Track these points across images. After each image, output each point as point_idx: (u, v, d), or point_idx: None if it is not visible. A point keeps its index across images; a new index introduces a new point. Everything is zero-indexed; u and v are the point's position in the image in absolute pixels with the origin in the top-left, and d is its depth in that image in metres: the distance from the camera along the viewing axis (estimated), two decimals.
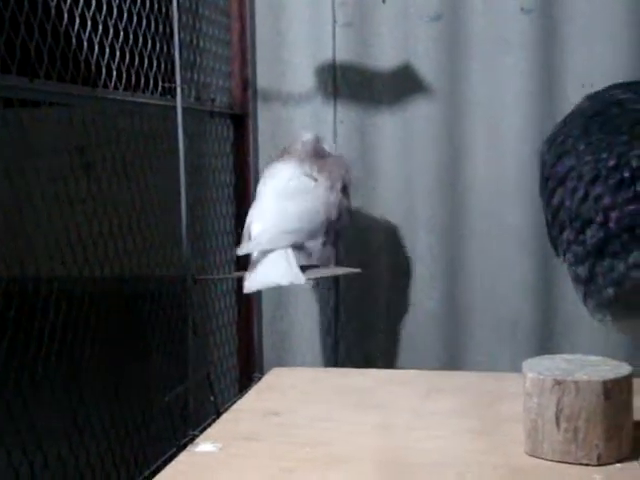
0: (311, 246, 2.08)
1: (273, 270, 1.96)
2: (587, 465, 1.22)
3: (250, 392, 1.62)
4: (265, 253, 1.99)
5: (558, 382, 1.23)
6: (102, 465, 1.84)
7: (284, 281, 1.95)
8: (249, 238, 2.07)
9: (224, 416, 1.48)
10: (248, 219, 2.13)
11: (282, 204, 2.10)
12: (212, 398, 1.94)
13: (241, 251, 2.04)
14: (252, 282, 1.96)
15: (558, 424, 1.23)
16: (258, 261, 1.99)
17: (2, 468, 1.49)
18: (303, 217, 2.09)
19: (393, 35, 2.48)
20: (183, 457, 1.30)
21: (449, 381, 1.70)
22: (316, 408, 1.52)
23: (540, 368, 1.27)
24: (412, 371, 1.80)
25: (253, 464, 1.27)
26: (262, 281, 1.96)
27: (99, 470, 1.82)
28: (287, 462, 1.27)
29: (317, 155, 2.26)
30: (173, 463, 1.27)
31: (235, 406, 1.53)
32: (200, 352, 2.15)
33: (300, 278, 1.95)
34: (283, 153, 2.26)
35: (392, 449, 1.33)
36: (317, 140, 2.29)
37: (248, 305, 2.55)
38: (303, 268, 1.99)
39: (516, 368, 2.26)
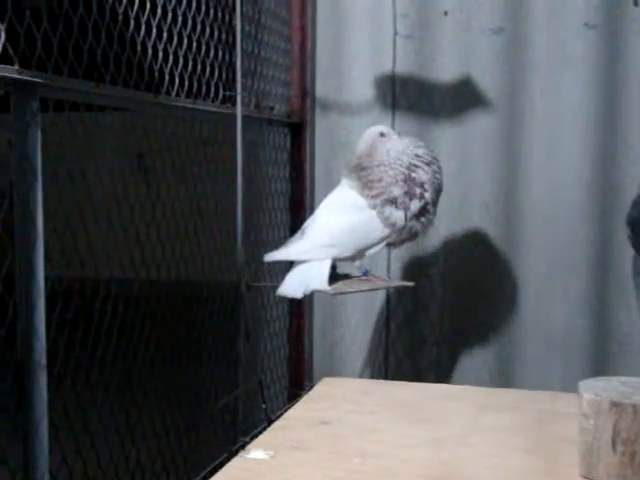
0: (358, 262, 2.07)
1: (300, 279, 1.95)
2: None
3: (301, 401, 1.62)
4: (300, 262, 1.99)
5: (615, 404, 1.21)
6: (152, 467, 1.85)
7: (306, 290, 1.93)
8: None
9: (275, 424, 1.48)
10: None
11: (329, 218, 2.05)
12: (263, 405, 1.94)
13: (269, 258, 2.02)
14: (280, 289, 1.96)
15: (614, 447, 1.21)
16: (292, 269, 1.99)
17: (56, 466, 1.51)
18: (346, 232, 2.02)
19: (454, 48, 2.48)
20: (235, 463, 1.31)
21: (501, 398, 1.69)
22: (366, 419, 1.51)
23: (597, 389, 1.25)
24: (464, 387, 1.78)
25: (303, 473, 1.27)
26: (288, 289, 1.95)
27: (149, 472, 1.84)
28: (336, 473, 1.27)
29: (372, 162, 2.16)
30: (225, 469, 1.28)
31: (286, 414, 1.53)
32: (251, 359, 2.16)
33: (325, 285, 1.93)
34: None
35: (441, 464, 1.32)
36: (379, 137, 2.08)
37: (300, 314, 2.56)
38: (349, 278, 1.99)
39: (567, 388, 2.26)
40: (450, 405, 1.62)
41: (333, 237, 2.01)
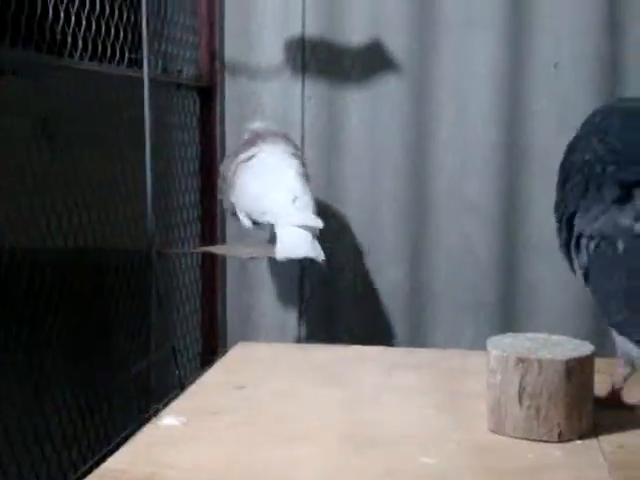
0: None
1: (303, 243, 2.01)
2: (548, 442, 1.24)
3: (215, 366, 1.61)
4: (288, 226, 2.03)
5: (522, 360, 1.25)
6: (63, 437, 1.82)
7: (312, 254, 2.00)
8: (262, 212, 2.11)
9: (189, 389, 1.48)
10: (252, 191, 2.15)
11: (302, 181, 2.17)
12: (177, 371, 1.93)
13: (313, 222, 2.05)
14: (282, 252, 2.00)
15: (521, 401, 1.25)
16: (284, 233, 2.03)
17: None
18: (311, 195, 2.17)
19: (364, 9, 2.47)
20: (147, 430, 1.30)
21: (412, 358, 1.72)
22: (281, 383, 1.52)
23: (504, 346, 1.29)
24: (375, 348, 1.81)
25: (217, 438, 1.27)
26: (294, 251, 2.00)
27: (59, 442, 1.81)
28: (252, 437, 1.28)
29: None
30: (137, 436, 1.27)
31: (200, 379, 1.53)
32: (163, 326, 2.14)
33: (321, 255, 2.00)
34: (253, 138, 2.27)
35: (356, 424, 1.34)
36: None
37: (212, 280, 2.54)
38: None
39: (478, 346, 2.31)
40: (363, 366, 1.64)
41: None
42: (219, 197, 2.36)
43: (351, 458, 1.20)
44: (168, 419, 1.32)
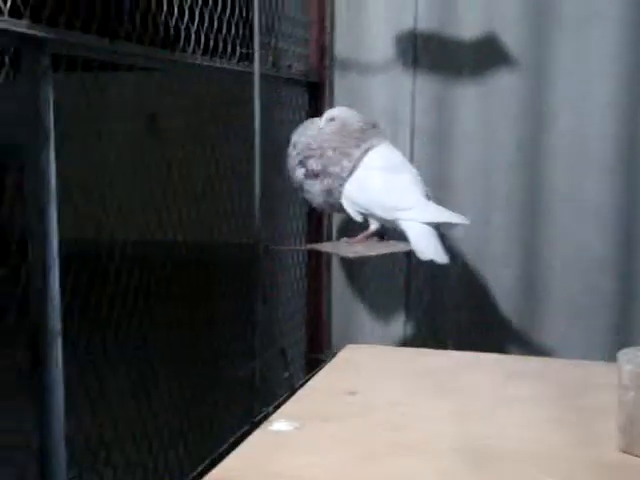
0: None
1: (438, 245, 1.99)
2: None
3: (324, 369, 1.57)
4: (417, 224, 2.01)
5: None
6: (170, 434, 1.82)
7: (445, 259, 1.99)
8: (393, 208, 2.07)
9: (299, 393, 1.43)
10: (380, 186, 2.10)
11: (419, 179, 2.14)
12: (286, 374, 1.89)
13: (461, 220, 2.02)
14: (424, 253, 1.98)
15: None
16: (420, 231, 2.01)
17: (72, 432, 1.48)
18: None
19: (477, 3, 2.39)
20: (258, 435, 1.26)
21: (529, 366, 1.64)
22: (393, 390, 1.47)
23: (638, 360, 1.20)
24: (489, 355, 1.73)
25: (330, 446, 1.23)
26: (437, 253, 1.98)
27: (167, 439, 1.81)
28: (364, 447, 1.23)
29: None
30: (250, 439, 1.24)
31: (310, 383, 1.48)
32: (269, 325, 2.12)
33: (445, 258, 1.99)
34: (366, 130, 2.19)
35: (469, 437, 1.27)
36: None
37: (318, 277, 2.50)
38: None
39: (594, 354, 2.20)
40: (477, 374, 1.57)
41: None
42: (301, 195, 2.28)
43: (463, 474, 1.14)
44: (279, 424, 1.28)
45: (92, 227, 1.75)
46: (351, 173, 2.12)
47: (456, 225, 2.04)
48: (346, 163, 2.12)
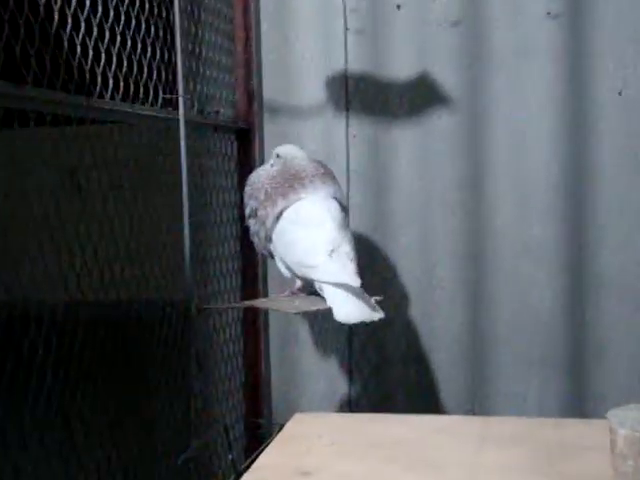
0: None
1: (364, 304, 1.77)
2: None
3: (273, 444, 1.38)
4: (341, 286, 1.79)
5: None
6: None
7: (375, 317, 1.77)
8: (299, 264, 1.90)
9: (247, 476, 1.24)
10: (289, 241, 1.94)
11: (342, 230, 1.93)
12: (230, 457, 1.69)
13: (352, 280, 1.77)
14: (341, 316, 1.76)
15: None
16: (340, 293, 1.79)
17: None
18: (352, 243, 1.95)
19: (409, 43, 2.31)
20: None
21: (504, 428, 1.47)
22: (352, 466, 1.29)
23: (632, 422, 1.05)
24: (455, 417, 1.56)
25: None
26: (360, 315, 1.76)
27: None
28: None
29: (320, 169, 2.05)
30: None
31: (258, 463, 1.29)
32: (205, 390, 1.95)
33: (380, 313, 1.78)
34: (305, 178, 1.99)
35: None
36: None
37: (256, 336, 2.35)
38: None
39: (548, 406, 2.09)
40: (446, 440, 1.40)
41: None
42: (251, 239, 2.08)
43: None
44: None
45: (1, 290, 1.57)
46: (277, 221, 1.97)
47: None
48: (270, 210, 1.97)
